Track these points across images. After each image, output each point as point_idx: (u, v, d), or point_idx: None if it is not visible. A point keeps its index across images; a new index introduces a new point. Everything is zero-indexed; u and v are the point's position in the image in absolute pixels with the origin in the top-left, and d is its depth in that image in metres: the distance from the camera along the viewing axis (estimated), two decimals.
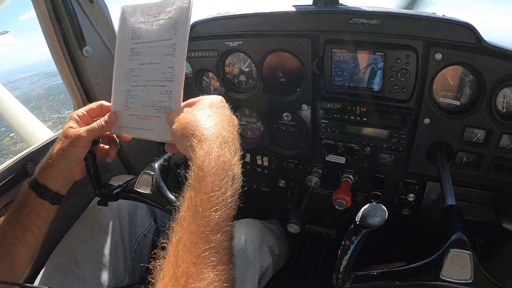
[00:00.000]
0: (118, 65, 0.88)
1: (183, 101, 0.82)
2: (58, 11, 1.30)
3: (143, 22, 0.85)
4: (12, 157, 1.23)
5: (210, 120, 0.73)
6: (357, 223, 0.78)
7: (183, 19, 0.78)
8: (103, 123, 0.89)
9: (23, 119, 2.88)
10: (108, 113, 0.91)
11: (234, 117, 0.80)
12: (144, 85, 0.84)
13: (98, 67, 1.39)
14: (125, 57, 0.87)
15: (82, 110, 0.94)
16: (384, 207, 1.06)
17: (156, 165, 1.06)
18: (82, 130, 0.88)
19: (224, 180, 0.63)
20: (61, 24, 1.32)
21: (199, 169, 0.64)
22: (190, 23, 0.79)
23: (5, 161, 1.24)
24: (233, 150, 0.69)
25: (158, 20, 0.82)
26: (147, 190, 1.01)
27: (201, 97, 0.80)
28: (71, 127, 0.90)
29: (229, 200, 0.62)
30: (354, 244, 0.79)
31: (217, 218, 0.59)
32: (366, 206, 1.06)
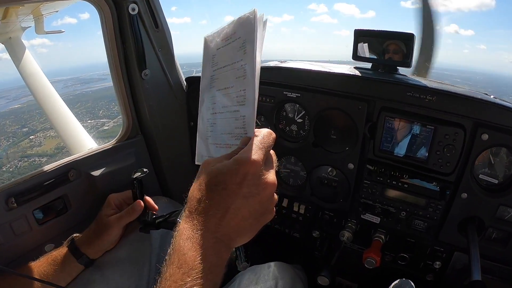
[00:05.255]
0: (201, 95, 0.83)
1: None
2: (124, 31, 1.31)
3: (220, 48, 0.78)
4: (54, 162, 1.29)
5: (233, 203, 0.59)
6: None
7: (250, 37, 0.68)
8: (130, 210, 1.10)
9: (70, 126, 2.77)
10: (136, 201, 1.11)
11: (270, 210, 0.65)
12: (221, 111, 0.77)
13: (152, 90, 1.40)
14: (207, 86, 0.82)
15: (119, 198, 1.17)
16: (412, 284, 1.08)
17: None
18: (114, 218, 1.09)
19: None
20: (124, 43, 1.32)
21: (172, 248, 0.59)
22: (261, 41, 0.67)
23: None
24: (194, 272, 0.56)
25: (231, 42, 0.74)
26: None
27: (259, 139, 0.65)
28: (106, 214, 1.11)
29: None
30: None
31: None
32: (396, 282, 1.08)
